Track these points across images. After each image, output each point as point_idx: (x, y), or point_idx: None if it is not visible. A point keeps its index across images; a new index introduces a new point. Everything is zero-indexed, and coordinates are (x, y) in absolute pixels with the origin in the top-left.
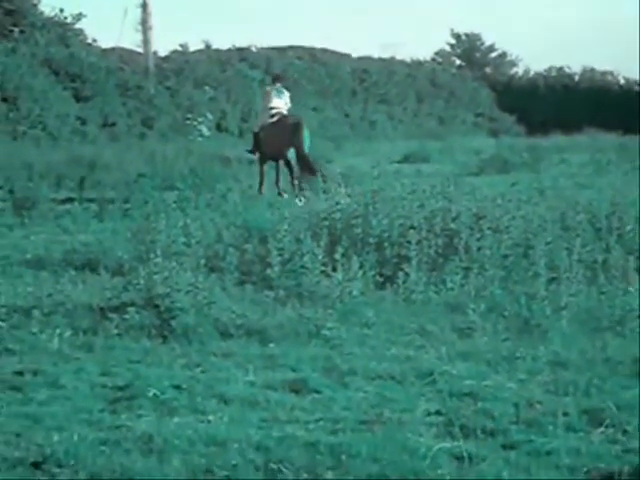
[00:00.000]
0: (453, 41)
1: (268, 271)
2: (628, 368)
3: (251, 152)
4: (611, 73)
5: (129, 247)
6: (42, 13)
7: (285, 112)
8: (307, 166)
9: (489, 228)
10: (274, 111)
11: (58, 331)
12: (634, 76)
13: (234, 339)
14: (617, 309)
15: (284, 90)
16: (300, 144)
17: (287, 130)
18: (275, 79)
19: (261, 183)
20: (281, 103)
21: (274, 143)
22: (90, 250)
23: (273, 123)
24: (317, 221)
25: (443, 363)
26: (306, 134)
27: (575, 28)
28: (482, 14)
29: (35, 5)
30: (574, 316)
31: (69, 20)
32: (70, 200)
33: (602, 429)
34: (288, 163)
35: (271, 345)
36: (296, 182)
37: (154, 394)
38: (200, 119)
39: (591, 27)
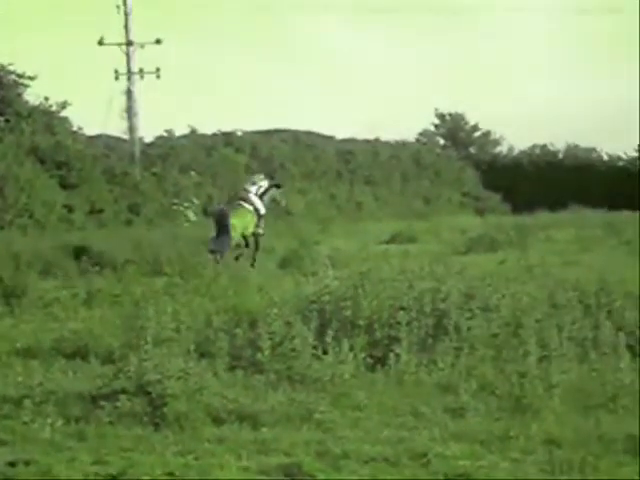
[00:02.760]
0: (437, 121)
1: (259, 355)
2: (622, 445)
3: None
4: (594, 149)
5: (119, 334)
6: (27, 102)
7: None
8: None
9: (478, 307)
10: None
11: (50, 420)
12: (617, 152)
13: (226, 424)
14: (609, 385)
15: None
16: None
17: None
18: None
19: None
20: None
21: None
22: (80, 338)
23: None
24: (306, 304)
25: (437, 444)
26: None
27: (558, 105)
28: (464, 94)
29: (20, 94)
30: (566, 394)
31: (54, 108)
32: (58, 288)
33: None
34: None
35: (264, 430)
36: None
37: None
38: (186, 204)
39: (574, 104)
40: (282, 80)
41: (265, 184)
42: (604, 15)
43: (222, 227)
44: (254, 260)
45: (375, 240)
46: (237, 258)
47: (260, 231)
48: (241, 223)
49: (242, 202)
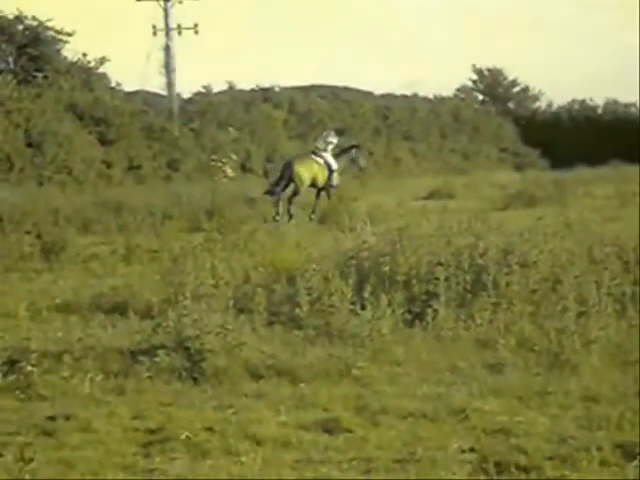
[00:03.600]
0: (475, 77)
1: (297, 311)
2: None
3: None
4: (634, 105)
5: (157, 290)
6: (65, 58)
7: None
8: None
9: (517, 263)
10: None
11: (89, 375)
12: None
13: (265, 380)
14: None
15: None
16: None
17: None
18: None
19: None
20: None
21: None
22: (119, 293)
23: None
24: (344, 260)
25: (475, 400)
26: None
27: (596, 61)
28: (503, 49)
29: (58, 50)
30: (604, 350)
31: (92, 65)
32: (97, 244)
33: (636, 463)
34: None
35: (302, 385)
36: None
37: (186, 436)
38: (224, 160)
39: (612, 59)
40: (320, 35)
41: (335, 140)
42: None
43: (282, 173)
44: (312, 212)
45: (413, 196)
46: (291, 217)
47: (332, 185)
48: (308, 173)
49: (311, 155)
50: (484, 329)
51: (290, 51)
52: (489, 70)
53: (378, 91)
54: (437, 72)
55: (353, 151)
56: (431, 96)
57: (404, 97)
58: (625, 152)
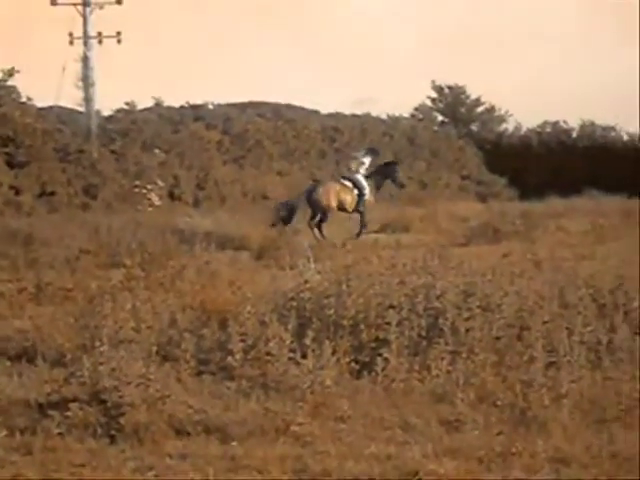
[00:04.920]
0: (434, 95)
1: (229, 359)
2: (638, 464)
3: None
4: (613, 128)
5: (71, 334)
6: None
7: None
8: None
9: (478, 307)
10: None
11: None
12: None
13: (191, 438)
14: (624, 397)
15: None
16: None
17: None
18: None
19: None
20: None
21: None
22: (27, 338)
23: None
24: (284, 301)
25: (429, 461)
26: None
27: (571, 79)
28: (466, 66)
29: None
30: (576, 405)
31: (0, 76)
32: (3, 281)
33: None
34: None
35: (234, 444)
36: None
37: None
38: (150, 186)
39: (589, 78)
40: (259, 47)
41: (367, 161)
42: None
43: (300, 199)
44: (358, 235)
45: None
46: (322, 236)
47: (361, 209)
48: (333, 198)
49: (340, 179)
50: (441, 381)
51: (225, 64)
52: (450, 87)
53: (325, 110)
54: (392, 89)
55: (392, 168)
56: (385, 116)
57: (354, 117)
58: (602, 181)
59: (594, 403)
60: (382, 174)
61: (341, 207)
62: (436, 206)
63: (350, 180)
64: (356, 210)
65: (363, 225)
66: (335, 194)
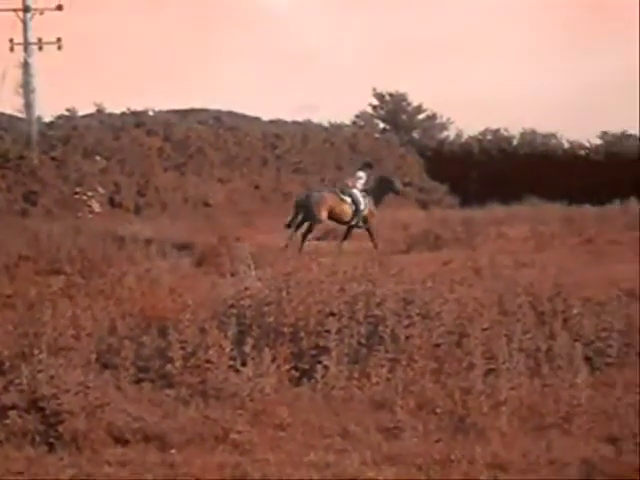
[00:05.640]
0: (376, 102)
1: (168, 367)
2: (576, 471)
3: None
4: (554, 136)
5: (9, 342)
6: None
7: None
8: None
9: (418, 314)
10: None
11: None
12: (580, 139)
13: (130, 445)
14: (563, 404)
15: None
16: None
17: None
18: None
19: None
20: None
21: None
22: None
23: None
24: (224, 309)
25: (368, 468)
26: None
27: (511, 86)
28: (407, 73)
29: None
30: (515, 412)
31: None
32: None
33: None
34: None
35: (173, 451)
36: None
37: None
38: (90, 193)
39: (531, 86)
40: (201, 53)
41: (363, 174)
42: None
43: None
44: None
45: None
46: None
47: (359, 224)
48: (324, 209)
49: (336, 191)
50: (380, 388)
51: (167, 70)
52: (391, 95)
53: (267, 116)
54: (333, 96)
55: (388, 180)
56: (326, 123)
57: (296, 124)
58: (543, 188)
59: (533, 410)
60: (380, 189)
61: (338, 219)
62: (377, 213)
63: (347, 194)
64: (355, 225)
65: (373, 237)
66: (327, 206)
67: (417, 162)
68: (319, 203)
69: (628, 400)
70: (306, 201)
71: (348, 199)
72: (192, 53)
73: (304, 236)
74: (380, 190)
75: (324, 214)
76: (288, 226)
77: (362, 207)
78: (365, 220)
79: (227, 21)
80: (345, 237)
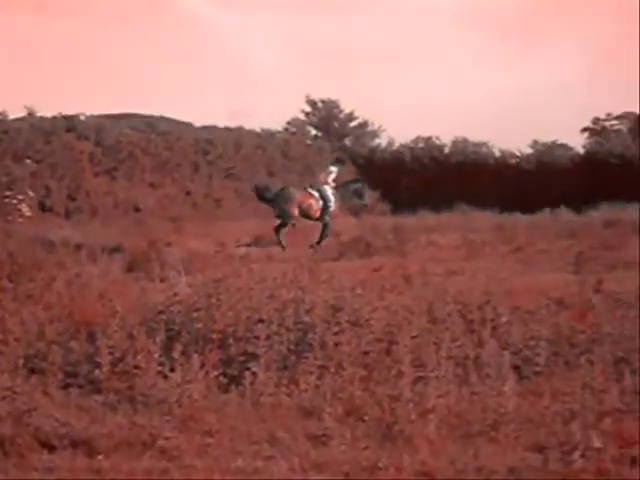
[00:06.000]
0: (308, 109)
1: (96, 372)
2: (503, 478)
3: None
4: (485, 144)
5: None
6: None
7: None
8: None
9: (347, 321)
10: None
11: None
12: (510, 148)
13: (58, 451)
14: (491, 412)
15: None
16: None
17: None
18: None
19: None
20: None
21: None
22: None
23: None
24: (153, 315)
25: (296, 475)
26: None
27: (444, 94)
28: (340, 80)
29: None
30: (443, 420)
31: None
32: None
33: None
34: None
35: (100, 457)
36: None
37: None
38: (20, 197)
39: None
40: (133, 58)
41: (335, 169)
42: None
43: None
44: (315, 245)
45: (235, 242)
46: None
47: (326, 220)
48: (295, 206)
49: (307, 188)
50: (309, 395)
51: (99, 75)
52: (323, 102)
53: (199, 122)
54: (266, 102)
55: (358, 185)
56: (259, 129)
57: (228, 130)
58: (474, 196)
59: (460, 418)
60: (350, 190)
61: (305, 214)
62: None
63: (317, 190)
64: (320, 219)
65: (325, 235)
66: (297, 203)
67: (348, 169)
68: (289, 199)
69: (555, 408)
70: (276, 197)
71: (316, 193)
72: (124, 57)
73: (277, 231)
74: (350, 193)
75: (295, 211)
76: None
77: (331, 204)
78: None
79: (160, 26)
80: (320, 238)
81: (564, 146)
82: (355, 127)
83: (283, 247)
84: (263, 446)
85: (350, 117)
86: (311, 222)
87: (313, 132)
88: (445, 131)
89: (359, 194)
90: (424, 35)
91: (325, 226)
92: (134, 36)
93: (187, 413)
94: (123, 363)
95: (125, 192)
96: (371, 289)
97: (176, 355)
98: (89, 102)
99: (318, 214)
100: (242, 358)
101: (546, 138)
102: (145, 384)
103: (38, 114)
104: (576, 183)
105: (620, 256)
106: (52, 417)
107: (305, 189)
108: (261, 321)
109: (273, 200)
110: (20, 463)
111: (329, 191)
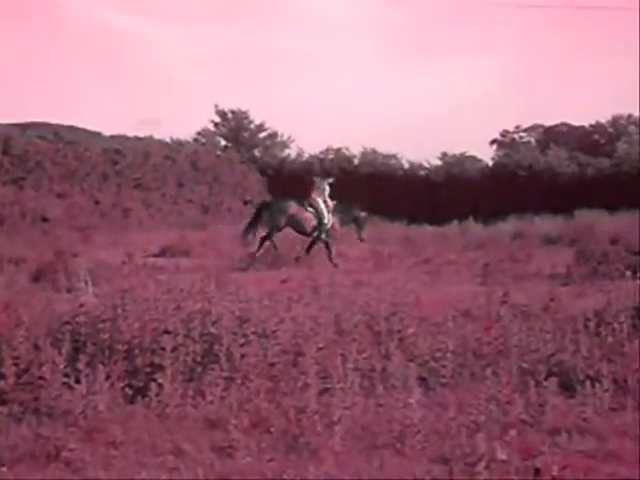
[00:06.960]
0: (218, 119)
1: (1, 383)
2: None
3: None
4: (394, 156)
5: None
6: None
7: None
8: None
9: (254, 333)
10: None
11: None
12: (419, 159)
13: None
14: (396, 423)
15: None
16: None
17: None
18: None
19: None
20: None
21: None
22: None
23: None
24: (58, 325)
25: None
26: None
27: (354, 106)
28: (250, 90)
29: None
30: (348, 432)
31: None
32: None
33: None
34: None
35: (3, 469)
36: None
37: None
38: None
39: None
40: (42, 66)
41: (327, 186)
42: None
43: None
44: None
45: (143, 252)
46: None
47: (322, 237)
48: (284, 218)
49: (299, 200)
50: (215, 407)
51: (5, 83)
52: (233, 112)
53: (108, 131)
54: (176, 111)
55: (361, 215)
56: (168, 139)
57: (137, 139)
58: (383, 208)
59: (366, 429)
60: (351, 215)
61: (300, 229)
62: (217, 230)
63: (311, 206)
64: (316, 236)
65: (329, 252)
66: (288, 215)
67: (258, 180)
68: (281, 209)
69: (460, 420)
70: (269, 206)
71: (311, 209)
72: (32, 66)
73: (262, 241)
74: (350, 218)
75: (283, 221)
76: (245, 233)
77: (325, 221)
78: (328, 234)
79: (70, 35)
80: (309, 248)
81: (473, 158)
82: (265, 138)
83: (276, 247)
84: (168, 458)
85: (260, 128)
86: (304, 237)
87: (223, 142)
88: (355, 142)
89: (359, 224)
90: (336, 47)
91: (316, 240)
92: (42, 44)
93: (92, 425)
94: (28, 374)
95: (33, 202)
96: (278, 300)
97: (81, 366)
98: None
99: (312, 230)
100: (148, 369)
101: (455, 150)
102: (50, 395)
103: None
104: (485, 195)
105: (527, 268)
106: None
107: (301, 203)
108: (167, 332)
109: (266, 207)
110: None
111: (324, 208)
